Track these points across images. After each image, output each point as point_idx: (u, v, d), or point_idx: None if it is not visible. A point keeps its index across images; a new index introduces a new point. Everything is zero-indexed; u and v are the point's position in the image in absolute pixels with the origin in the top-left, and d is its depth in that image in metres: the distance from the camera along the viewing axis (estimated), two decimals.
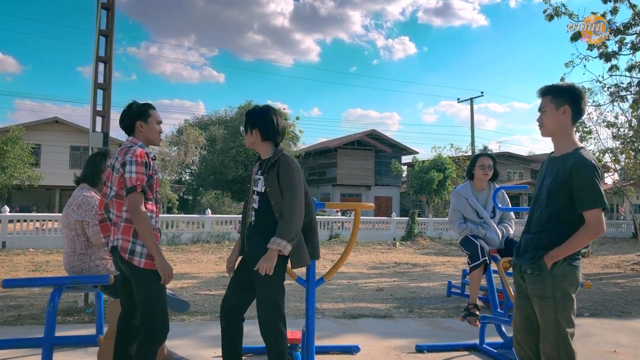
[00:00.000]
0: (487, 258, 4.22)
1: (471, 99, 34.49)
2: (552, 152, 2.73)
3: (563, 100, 2.61)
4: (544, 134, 2.69)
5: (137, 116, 3.05)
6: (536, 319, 2.62)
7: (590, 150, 15.72)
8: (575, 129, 2.72)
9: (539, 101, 2.73)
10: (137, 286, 2.88)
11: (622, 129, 13.77)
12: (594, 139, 15.03)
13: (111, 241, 2.95)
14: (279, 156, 3.13)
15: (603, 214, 2.51)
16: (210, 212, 18.82)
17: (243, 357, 4.06)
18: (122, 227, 2.88)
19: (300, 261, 3.09)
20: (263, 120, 3.18)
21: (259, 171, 3.20)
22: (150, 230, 2.83)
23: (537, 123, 2.71)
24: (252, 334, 4.87)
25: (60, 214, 16.49)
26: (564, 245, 2.50)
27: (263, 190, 3.12)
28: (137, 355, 2.88)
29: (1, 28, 56.82)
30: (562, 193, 2.53)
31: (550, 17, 11.76)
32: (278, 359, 3.02)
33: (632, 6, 11.35)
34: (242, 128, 3.32)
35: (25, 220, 15.17)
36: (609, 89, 12.60)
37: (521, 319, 2.73)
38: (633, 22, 11.39)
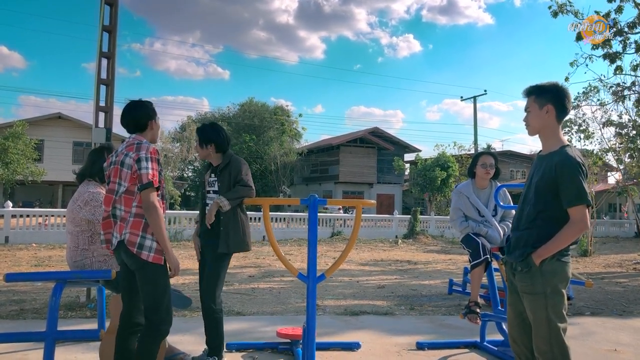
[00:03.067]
0: (488, 256, 4.22)
1: (474, 97, 34.43)
2: (541, 151, 2.77)
3: (546, 100, 2.65)
4: (530, 134, 2.75)
5: (152, 114, 3.09)
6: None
7: (593, 149, 15.78)
8: (562, 127, 2.76)
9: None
10: (144, 280, 2.88)
11: (625, 129, 13.75)
12: (597, 139, 15.04)
13: (115, 236, 2.93)
14: (231, 158, 3.74)
15: (588, 210, 2.54)
16: None
17: (244, 353, 4.10)
18: (131, 221, 2.87)
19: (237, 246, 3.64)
20: (217, 136, 3.75)
21: (212, 175, 3.78)
22: (163, 225, 2.87)
23: (524, 123, 2.76)
24: (252, 330, 4.90)
25: (62, 210, 16.60)
26: (549, 243, 2.53)
27: (217, 189, 3.70)
28: (140, 348, 2.88)
29: (7, 24, 56.87)
30: (549, 191, 2.57)
31: (555, 14, 11.73)
32: (211, 321, 3.61)
33: (637, 5, 11.30)
34: (195, 143, 3.83)
35: (28, 216, 15.22)
36: (612, 88, 12.59)
37: (514, 315, 2.75)
38: (638, 22, 11.35)
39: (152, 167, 2.87)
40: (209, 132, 3.76)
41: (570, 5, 11.60)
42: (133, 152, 2.90)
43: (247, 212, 3.84)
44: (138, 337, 2.92)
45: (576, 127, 14.85)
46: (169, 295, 2.95)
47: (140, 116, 3.04)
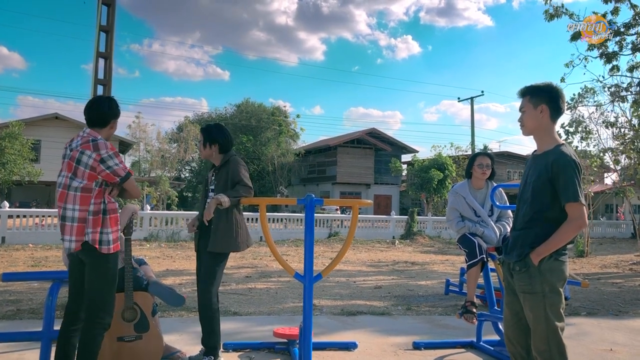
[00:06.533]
0: (484, 256, 4.23)
1: (471, 99, 34.47)
2: (535, 151, 2.79)
3: (540, 100, 2.67)
4: (525, 133, 2.77)
5: (118, 114, 3.13)
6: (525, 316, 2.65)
7: (590, 150, 15.75)
8: (556, 126, 2.78)
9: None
10: (102, 271, 2.91)
11: (622, 129, 13.78)
12: (594, 140, 15.06)
13: (71, 240, 2.87)
14: (230, 158, 3.76)
15: (585, 208, 2.55)
16: None
17: (241, 352, 4.10)
18: (91, 220, 2.87)
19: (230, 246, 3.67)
20: (222, 137, 3.80)
21: (214, 175, 3.82)
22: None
23: (519, 123, 2.78)
24: (249, 330, 4.91)
25: None
26: (548, 241, 2.54)
27: (214, 188, 3.74)
28: (88, 341, 2.88)
29: (7, 24, 56.78)
30: (545, 190, 2.58)
31: (551, 17, 11.75)
32: (207, 320, 3.63)
33: (633, 6, 11.35)
34: (199, 143, 3.88)
35: (24, 216, 15.18)
36: (609, 89, 12.62)
37: (511, 315, 2.76)
38: (634, 22, 11.39)
39: (120, 161, 2.96)
40: (214, 132, 3.82)
41: (565, 9, 11.64)
42: (91, 151, 2.88)
43: (245, 212, 3.87)
44: (82, 331, 2.91)
45: (572, 129, 14.83)
46: (114, 290, 3.00)
47: (109, 113, 3.07)
